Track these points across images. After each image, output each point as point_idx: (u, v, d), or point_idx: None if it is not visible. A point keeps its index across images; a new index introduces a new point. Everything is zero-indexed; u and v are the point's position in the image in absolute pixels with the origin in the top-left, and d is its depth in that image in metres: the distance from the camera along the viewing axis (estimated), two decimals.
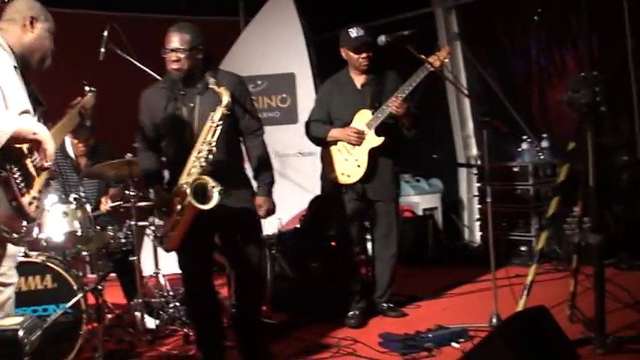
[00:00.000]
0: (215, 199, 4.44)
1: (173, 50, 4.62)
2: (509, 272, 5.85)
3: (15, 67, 3.56)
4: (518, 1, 7.97)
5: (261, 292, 5.18)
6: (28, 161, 3.42)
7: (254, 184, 4.98)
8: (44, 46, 3.74)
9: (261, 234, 5.16)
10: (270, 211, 4.83)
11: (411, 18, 8.98)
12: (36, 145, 3.40)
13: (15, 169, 3.30)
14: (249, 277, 4.96)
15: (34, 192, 3.45)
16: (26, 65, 3.69)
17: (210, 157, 4.53)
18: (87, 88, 4.22)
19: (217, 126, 4.52)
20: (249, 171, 5.03)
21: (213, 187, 4.44)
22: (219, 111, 4.52)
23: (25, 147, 3.39)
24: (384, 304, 6.01)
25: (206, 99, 4.71)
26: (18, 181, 3.30)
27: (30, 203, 3.39)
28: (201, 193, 4.48)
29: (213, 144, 4.53)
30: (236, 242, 4.88)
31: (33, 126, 3.40)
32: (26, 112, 3.50)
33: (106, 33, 4.96)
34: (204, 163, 4.53)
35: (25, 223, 3.38)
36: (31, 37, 3.66)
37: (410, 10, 9.01)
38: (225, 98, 4.52)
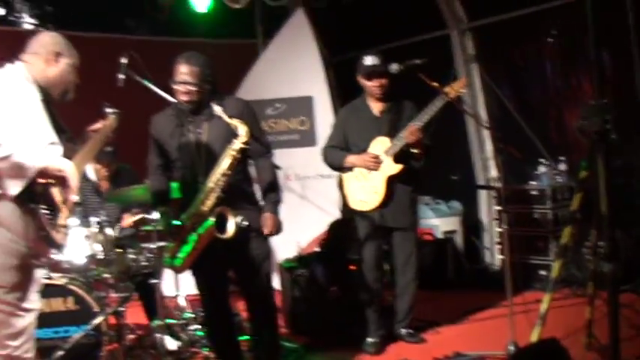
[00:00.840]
0: (233, 229, 4.56)
1: (182, 82, 4.70)
2: (529, 297, 5.84)
3: (41, 99, 3.67)
4: (533, 22, 7.96)
5: (273, 316, 5.15)
6: (55, 191, 3.50)
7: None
8: (67, 80, 3.87)
9: (270, 258, 5.17)
10: (275, 228, 4.86)
11: (428, 40, 9.03)
12: (61, 180, 3.52)
13: (41, 200, 3.41)
14: (257, 301, 5.02)
15: (61, 221, 3.56)
16: (49, 97, 3.78)
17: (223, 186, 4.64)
18: (109, 111, 4.31)
19: (235, 158, 4.61)
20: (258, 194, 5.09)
21: (233, 218, 4.56)
22: (238, 144, 4.60)
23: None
24: (404, 330, 5.99)
25: (214, 125, 4.78)
26: (45, 211, 3.38)
27: (57, 232, 3.49)
28: (219, 221, 4.58)
29: (229, 174, 4.62)
30: (244, 266, 4.92)
31: (59, 163, 3.51)
32: (52, 143, 3.61)
33: (124, 60, 5.02)
34: (220, 193, 4.62)
35: (53, 250, 3.46)
36: (55, 71, 3.79)
37: (426, 32, 9.02)
38: (242, 129, 4.60)
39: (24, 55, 3.82)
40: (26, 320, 3.60)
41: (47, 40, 3.85)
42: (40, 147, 3.49)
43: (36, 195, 3.42)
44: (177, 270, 4.96)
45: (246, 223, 4.59)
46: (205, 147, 4.77)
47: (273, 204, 4.92)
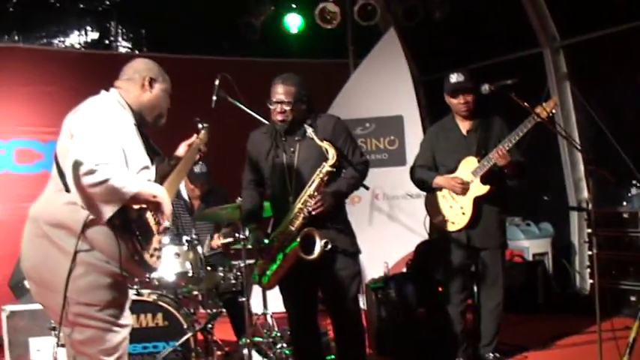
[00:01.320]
0: (318, 251, 4.62)
1: (278, 102, 4.81)
2: (617, 323, 5.67)
3: (135, 124, 3.77)
4: (627, 39, 7.78)
5: (359, 337, 5.17)
6: (149, 215, 3.62)
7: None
8: (161, 106, 3.94)
9: (359, 278, 5.16)
10: (321, 204, 4.71)
11: (520, 58, 8.91)
12: (154, 206, 3.62)
13: (135, 225, 3.51)
14: (344, 321, 5.02)
15: (154, 244, 3.66)
16: (143, 122, 3.87)
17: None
18: (200, 125, 4.42)
19: (323, 180, 4.68)
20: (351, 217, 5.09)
21: (319, 239, 4.62)
22: (327, 167, 4.67)
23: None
24: (490, 354, 5.89)
25: (305, 146, 4.87)
26: (139, 237, 3.50)
27: (151, 255, 3.60)
28: (306, 242, 4.63)
29: (317, 195, 4.68)
30: (333, 287, 4.94)
31: (152, 188, 3.61)
32: (146, 167, 3.72)
33: (217, 82, 5.11)
34: (307, 214, 4.68)
35: (147, 273, 3.55)
36: (149, 96, 3.88)
37: (518, 50, 8.92)
38: (331, 153, 4.66)
39: (118, 81, 3.90)
40: (120, 336, 3.66)
41: (141, 67, 3.93)
42: (134, 172, 3.58)
43: (130, 220, 3.50)
44: (265, 287, 5.08)
45: (329, 245, 4.63)
46: (296, 168, 4.85)
47: (339, 185, 4.87)
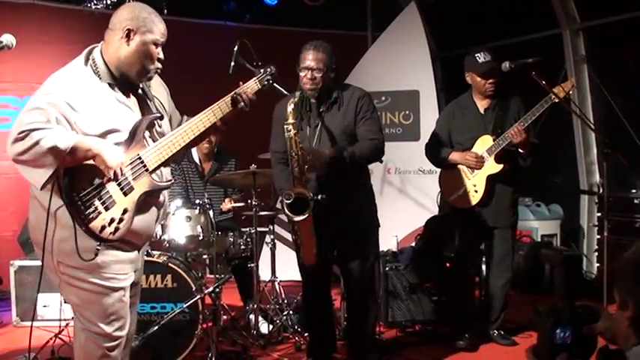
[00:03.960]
0: (308, 209, 4.53)
1: (308, 69, 4.75)
2: None
3: (110, 84, 3.51)
4: None
5: (373, 310, 5.18)
6: (111, 185, 3.42)
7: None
8: (141, 61, 3.54)
9: (377, 253, 5.18)
10: (315, 159, 4.63)
11: (538, 39, 8.89)
12: (97, 160, 3.34)
13: (83, 192, 3.34)
14: (360, 294, 5.02)
15: (112, 214, 3.42)
16: (126, 79, 3.58)
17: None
18: (262, 71, 4.10)
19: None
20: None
21: (309, 197, 4.54)
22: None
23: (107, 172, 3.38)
24: (496, 331, 5.94)
25: (330, 116, 4.84)
26: (86, 204, 3.33)
27: (103, 227, 3.38)
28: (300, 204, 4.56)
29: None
30: (350, 258, 4.95)
31: (87, 143, 3.30)
32: (114, 131, 3.46)
33: (236, 48, 5.10)
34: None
35: (97, 244, 3.38)
36: (126, 50, 3.51)
37: (537, 31, 8.88)
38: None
39: (106, 30, 3.59)
40: (113, 299, 3.56)
41: (124, 15, 3.54)
42: (92, 134, 3.36)
43: (77, 188, 3.34)
44: (305, 264, 4.91)
45: (320, 196, 4.55)
46: (317, 138, 4.83)
47: (344, 150, 4.73)
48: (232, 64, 5.07)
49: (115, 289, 3.57)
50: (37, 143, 3.18)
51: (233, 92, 3.88)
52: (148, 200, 3.61)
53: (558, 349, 2.90)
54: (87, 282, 3.50)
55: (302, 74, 4.80)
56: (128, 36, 3.49)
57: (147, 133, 3.61)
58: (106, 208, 3.40)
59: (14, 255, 7.03)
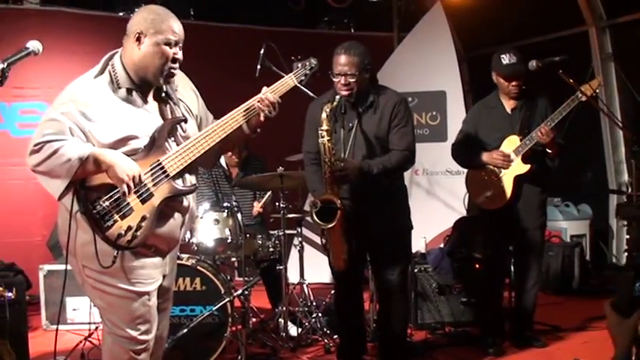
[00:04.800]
0: (336, 218, 4.52)
1: (342, 75, 4.66)
2: None
3: (129, 89, 3.51)
4: None
5: (404, 312, 5.17)
6: (131, 196, 3.41)
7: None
8: (154, 62, 3.50)
9: (409, 255, 5.17)
10: (343, 173, 4.60)
11: (564, 37, 8.83)
12: (110, 172, 3.33)
13: (99, 202, 3.36)
14: (393, 296, 4.99)
15: (129, 222, 3.41)
16: (145, 82, 3.57)
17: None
18: (299, 66, 4.05)
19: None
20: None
21: (336, 204, 4.53)
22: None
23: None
24: (526, 333, 5.90)
25: (366, 120, 4.78)
26: (101, 213, 3.35)
27: (120, 235, 3.38)
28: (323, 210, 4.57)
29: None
30: (383, 261, 4.94)
31: (100, 155, 3.31)
32: (129, 137, 3.46)
33: (262, 51, 5.09)
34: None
35: (115, 252, 3.40)
36: (139, 54, 3.51)
37: (563, 29, 8.83)
38: None
39: (124, 37, 3.60)
40: (139, 303, 3.57)
41: (136, 20, 3.55)
42: (107, 142, 3.38)
43: (87, 199, 3.36)
44: (335, 269, 4.93)
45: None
46: (352, 141, 4.77)
47: (370, 164, 4.68)
48: (259, 67, 5.07)
49: (141, 294, 3.58)
50: (51, 156, 3.24)
51: (252, 99, 3.81)
52: (171, 205, 3.59)
53: (638, 302, 2.89)
54: (112, 286, 3.52)
55: (335, 80, 4.71)
56: (139, 39, 3.49)
57: (171, 138, 3.60)
58: (123, 216, 3.40)
59: (44, 260, 7.09)
